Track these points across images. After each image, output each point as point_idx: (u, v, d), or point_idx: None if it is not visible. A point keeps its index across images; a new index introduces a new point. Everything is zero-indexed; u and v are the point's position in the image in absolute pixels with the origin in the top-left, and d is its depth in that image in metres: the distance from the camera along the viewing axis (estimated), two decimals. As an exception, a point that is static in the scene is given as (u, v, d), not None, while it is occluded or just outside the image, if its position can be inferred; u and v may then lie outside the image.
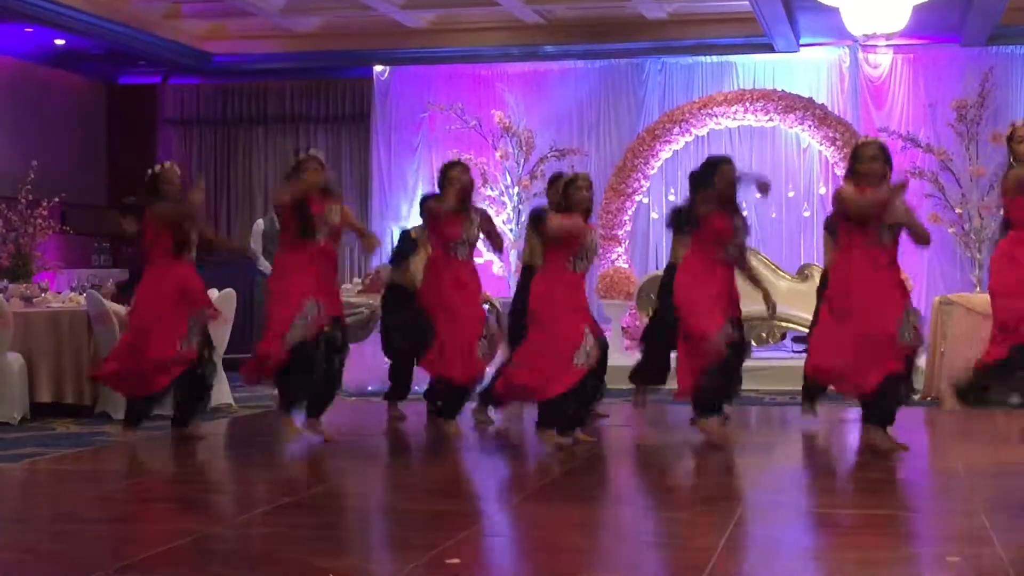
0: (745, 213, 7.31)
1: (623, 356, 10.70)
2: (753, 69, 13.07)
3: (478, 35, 13.39)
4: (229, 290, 9.06)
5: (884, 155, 6.64)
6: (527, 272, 7.66)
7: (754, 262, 7.61)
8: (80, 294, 9.09)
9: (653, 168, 12.74)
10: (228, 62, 13.96)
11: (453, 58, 13.58)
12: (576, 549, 4.66)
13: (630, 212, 12.78)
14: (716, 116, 12.56)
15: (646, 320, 11.26)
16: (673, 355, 7.56)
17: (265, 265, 10.71)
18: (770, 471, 6.53)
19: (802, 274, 11.73)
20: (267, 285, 7.47)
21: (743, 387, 7.64)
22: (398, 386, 8.21)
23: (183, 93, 14.76)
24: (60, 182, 11.49)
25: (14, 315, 8.37)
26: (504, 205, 12.96)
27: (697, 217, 7.06)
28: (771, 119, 12.54)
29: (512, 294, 8.39)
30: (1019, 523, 4.96)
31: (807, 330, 8.67)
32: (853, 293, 6.49)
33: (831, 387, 7.25)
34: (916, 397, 9.31)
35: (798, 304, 10.71)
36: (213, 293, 8.08)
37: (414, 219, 11.03)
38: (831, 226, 7.21)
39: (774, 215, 12.72)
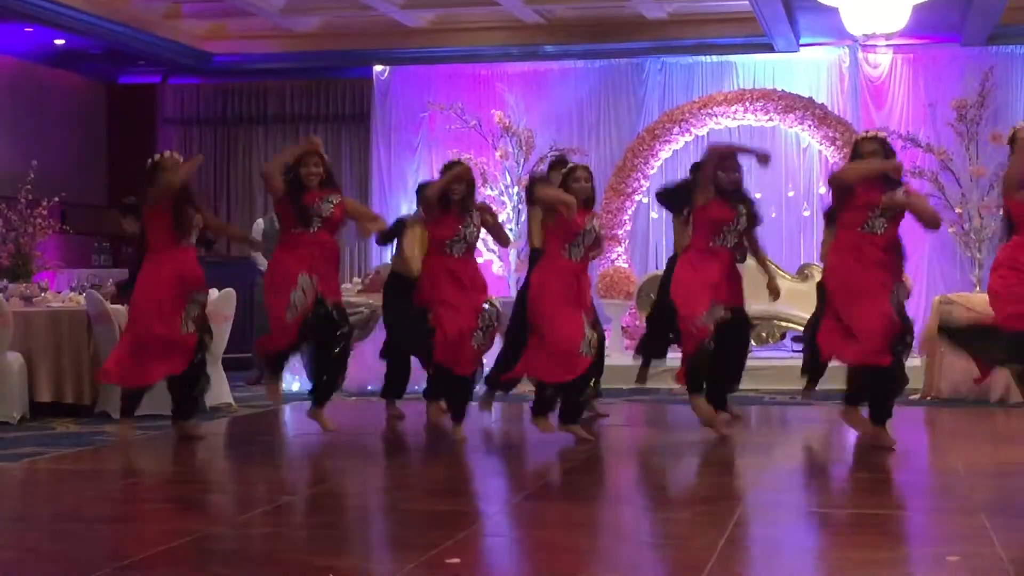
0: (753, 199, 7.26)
1: (623, 356, 10.71)
2: (753, 69, 13.07)
3: (478, 35, 13.39)
4: (229, 290, 9.07)
5: (885, 149, 6.65)
6: (534, 255, 7.72)
7: (752, 260, 7.56)
8: (80, 294, 9.09)
9: (653, 168, 12.74)
10: (228, 62, 13.96)
11: (453, 58, 13.58)
12: (576, 549, 4.66)
13: (630, 212, 12.79)
14: (716, 116, 12.56)
15: (646, 320, 11.34)
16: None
17: (264, 264, 10.72)
18: (770, 471, 6.53)
19: (802, 274, 11.74)
20: (264, 281, 7.51)
21: (742, 386, 7.67)
22: (395, 384, 8.20)
23: (183, 93, 14.77)
24: (60, 182, 11.50)
25: (14, 315, 8.37)
26: (504, 205, 12.96)
27: (695, 205, 7.11)
28: (771, 119, 12.54)
29: (512, 294, 8.43)
30: (1019, 523, 4.95)
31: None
32: (840, 286, 6.58)
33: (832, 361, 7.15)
34: (916, 397, 9.38)
35: (798, 304, 10.70)
36: (213, 293, 8.08)
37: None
38: (830, 215, 7.19)
39: (774, 215, 12.69)
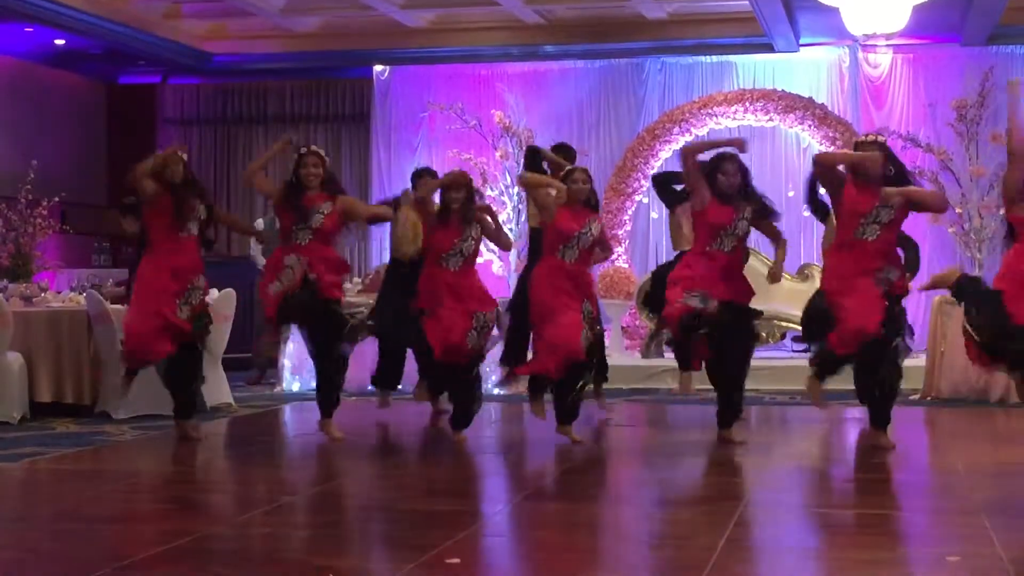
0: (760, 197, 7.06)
1: (623, 356, 10.73)
2: (753, 69, 13.07)
3: (478, 35, 13.39)
4: (229, 290, 9.07)
5: (884, 152, 6.65)
6: (534, 235, 7.82)
7: (754, 261, 7.52)
8: (80, 294, 9.09)
9: (653, 168, 12.71)
10: (228, 62, 13.96)
11: (453, 58, 13.58)
12: (576, 549, 4.66)
13: (630, 212, 12.78)
14: (716, 116, 12.56)
15: (646, 320, 11.34)
16: None
17: (264, 264, 10.71)
18: (770, 471, 6.53)
19: (802, 274, 11.73)
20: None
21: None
22: (388, 374, 8.19)
23: (183, 93, 14.76)
24: (60, 182, 11.50)
25: (14, 315, 8.38)
26: (504, 205, 12.96)
27: (693, 210, 7.08)
28: (771, 119, 12.54)
29: (512, 293, 8.46)
30: (1019, 523, 4.95)
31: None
32: (833, 293, 6.59)
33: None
34: (916, 397, 9.38)
35: (798, 304, 10.63)
36: (213, 293, 8.08)
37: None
38: (819, 209, 7.13)
39: (774, 215, 12.72)
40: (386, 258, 8.70)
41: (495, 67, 13.65)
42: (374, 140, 13.97)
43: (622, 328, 11.67)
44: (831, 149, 11.53)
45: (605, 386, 8.37)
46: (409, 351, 7.98)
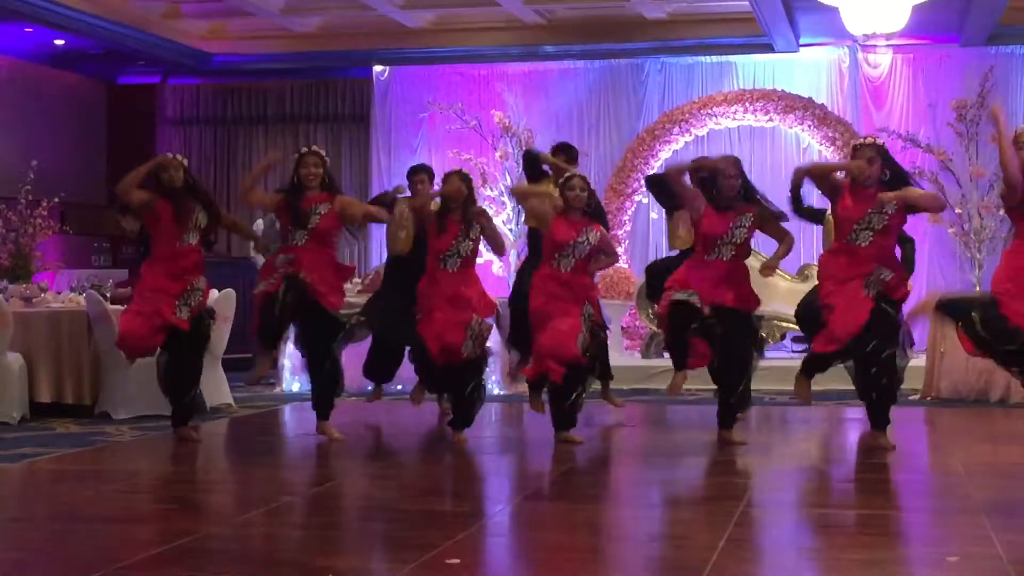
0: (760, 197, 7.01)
1: (623, 356, 10.73)
2: (753, 69, 13.07)
3: (478, 35, 13.39)
4: (229, 290, 9.07)
5: (882, 155, 6.65)
6: (532, 235, 7.87)
7: (754, 261, 7.50)
8: (80, 294, 9.09)
9: (653, 168, 12.71)
10: (228, 62, 13.96)
11: (453, 58, 13.58)
12: (576, 549, 4.66)
13: (630, 212, 12.78)
14: (716, 116, 12.57)
15: (646, 320, 11.37)
16: None
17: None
18: (770, 471, 6.52)
19: (802, 274, 11.72)
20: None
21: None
22: (381, 366, 8.15)
23: (183, 93, 14.77)
24: (60, 182, 11.49)
25: (14, 315, 8.38)
26: (504, 205, 12.96)
27: (691, 220, 7.09)
28: (771, 119, 12.54)
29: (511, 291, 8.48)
30: (1019, 523, 4.95)
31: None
32: (824, 295, 6.62)
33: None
34: (916, 397, 9.38)
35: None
36: (213, 293, 8.08)
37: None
38: (807, 213, 7.15)
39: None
40: (386, 258, 8.69)
41: (495, 67, 13.65)
42: (374, 140, 13.98)
43: (622, 328, 11.67)
44: (824, 160, 11.51)
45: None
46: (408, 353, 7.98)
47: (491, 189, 12.93)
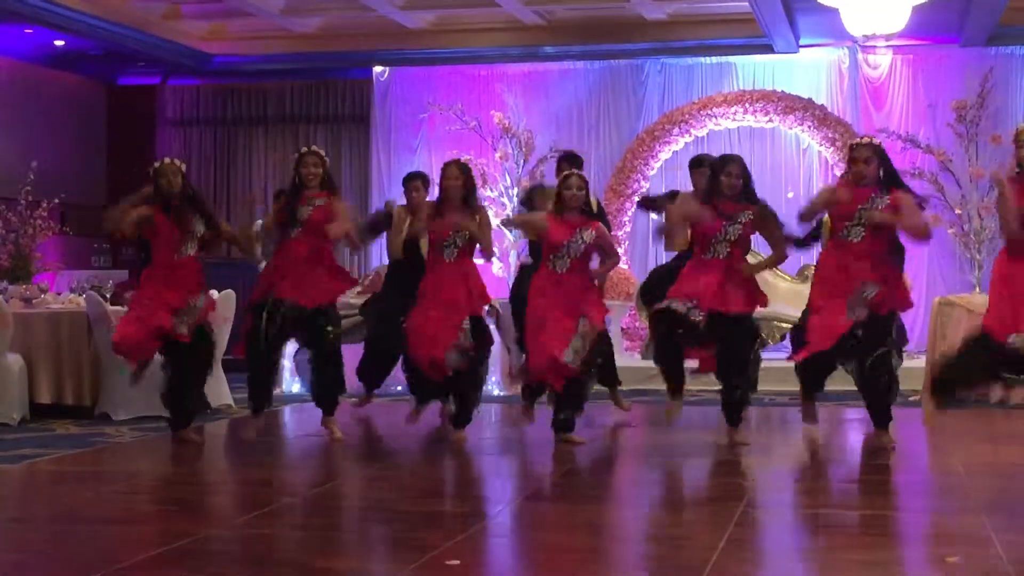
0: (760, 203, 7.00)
1: (623, 357, 10.71)
2: (753, 70, 13.08)
3: (478, 36, 13.40)
4: (229, 291, 9.08)
5: (878, 155, 6.67)
6: (533, 246, 7.94)
7: (753, 261, 7.49)
8: (80, 295, 9.09)
9: (653, 169, 12.74)
10: (228, 63, 13.96)
11: (453, 59, 13.59)
12: (576, 550, 4.66)
13: (630, 213, 12.78)
14: (716, 117, 12.57)
15: (645, 321, 11.36)
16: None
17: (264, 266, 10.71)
18: (770, 471, 6.52)
19: (801, 275, 11.72)
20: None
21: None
22: (372, 370, 8.17)
23: (183, 94, 14.77)
24: (60, 183, 11.49)
25: (14, 316, 8.37)
26: (504, 206, 12.96)
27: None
28: (771, 120, 12.54)
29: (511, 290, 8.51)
30: (1019, 523, 4.95)
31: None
32: (819, 289, 6.73)
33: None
34: (916, 398, 9.37)
35: (797, 305, 10.67)
36: (213, 294, 8.08)
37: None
38: (809, 235, 7.21)
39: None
40: (386, 259, 8.71)
41: (495, 68, 13.66)
42: (374, 141, 13.98)
43: (622, 329, 11.67)
44: (840, 164, 11.52)
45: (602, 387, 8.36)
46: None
47: (491, 190, 12.93)
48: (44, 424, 8.18)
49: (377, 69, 13.95)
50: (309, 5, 12.86)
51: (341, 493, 6.08)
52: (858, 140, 7.02)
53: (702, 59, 13.25)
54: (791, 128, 12.59)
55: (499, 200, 12.96)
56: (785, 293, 10.85)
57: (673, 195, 7.87)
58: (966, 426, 8.26)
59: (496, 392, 9.66)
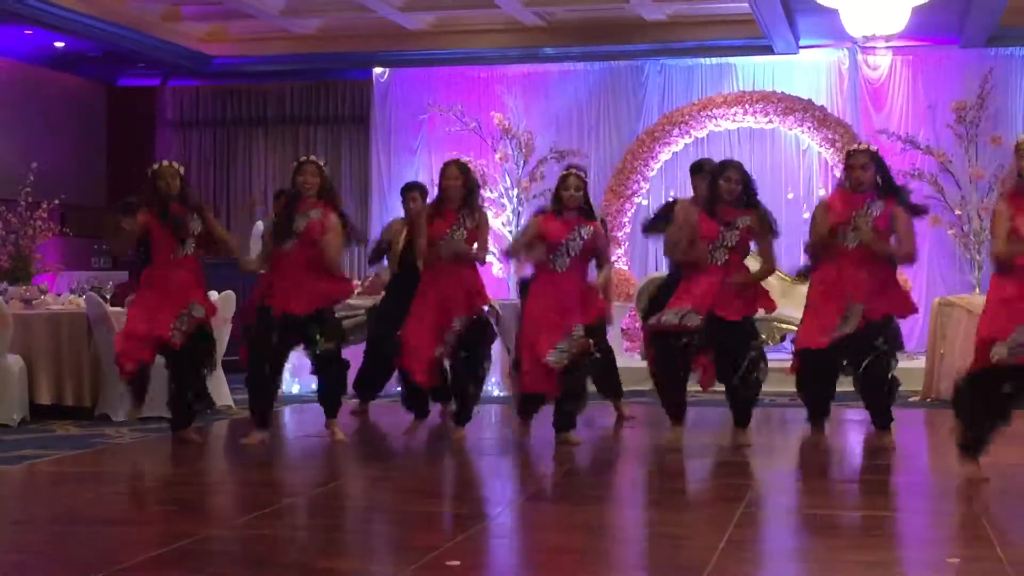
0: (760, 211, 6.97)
1: (623, 357, 10.70)
2: (752, 71, 13.08)
3: (478, 37, 13.40)
4: (229, 292, 9.08)
5: (875, 162, 6.70)
6: None
7: (753, 263, 7.49)
8: (80, 296, 9.09)
9: (652, 170, 12.74)
10: (228, 64, 13.96)
11: (453, 60, 13.59)
12: (576, 549, 4.66)
13: (629, 214, 12.79)
14: (715, 118, 12.57)
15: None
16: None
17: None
18: (770, 472, 6.53)
19: (801, 275, 11.72)
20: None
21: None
22: (369, 381, 8.22)
23: (183, 95, 14.77)
24: (59, 184, 11.50)
25: (14, 317, 8.37)
26: (504, 207, 12.96)
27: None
28: (770, 121, 12.55)
29: (512, 295, 8.47)
30: (1019, 523, 4.95)
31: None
32: (815, 291, 6.86)
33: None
34: (916, 399, 9.38)
35: (797, 306, 10.67)
36: (213, 295, 8.08)
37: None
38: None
39: (773, 217, 12.71)
40: (386, 262, 8.71)
41: (495, 69, 13.66)
42: (374, 142, 13.98)
43: (622, 330, 11.67)
44: (839, 166, 11.55)
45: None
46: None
47: (491, 191, 12.93)
48: (44, 425, 8.18)
49: (377, 70, 13.95)
50: (309, 6, 12.86)
51: (342, 494, 6.08)
52: (855, 147, 7.08)
53: (702, 60, 13.25)
54: (791, 129, 12.59)
55: (499, 201, 12.96)
56: (784, 294, 10.85)
57: (669, 209, 7.83)
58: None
59: (496, 392, 9.66)
